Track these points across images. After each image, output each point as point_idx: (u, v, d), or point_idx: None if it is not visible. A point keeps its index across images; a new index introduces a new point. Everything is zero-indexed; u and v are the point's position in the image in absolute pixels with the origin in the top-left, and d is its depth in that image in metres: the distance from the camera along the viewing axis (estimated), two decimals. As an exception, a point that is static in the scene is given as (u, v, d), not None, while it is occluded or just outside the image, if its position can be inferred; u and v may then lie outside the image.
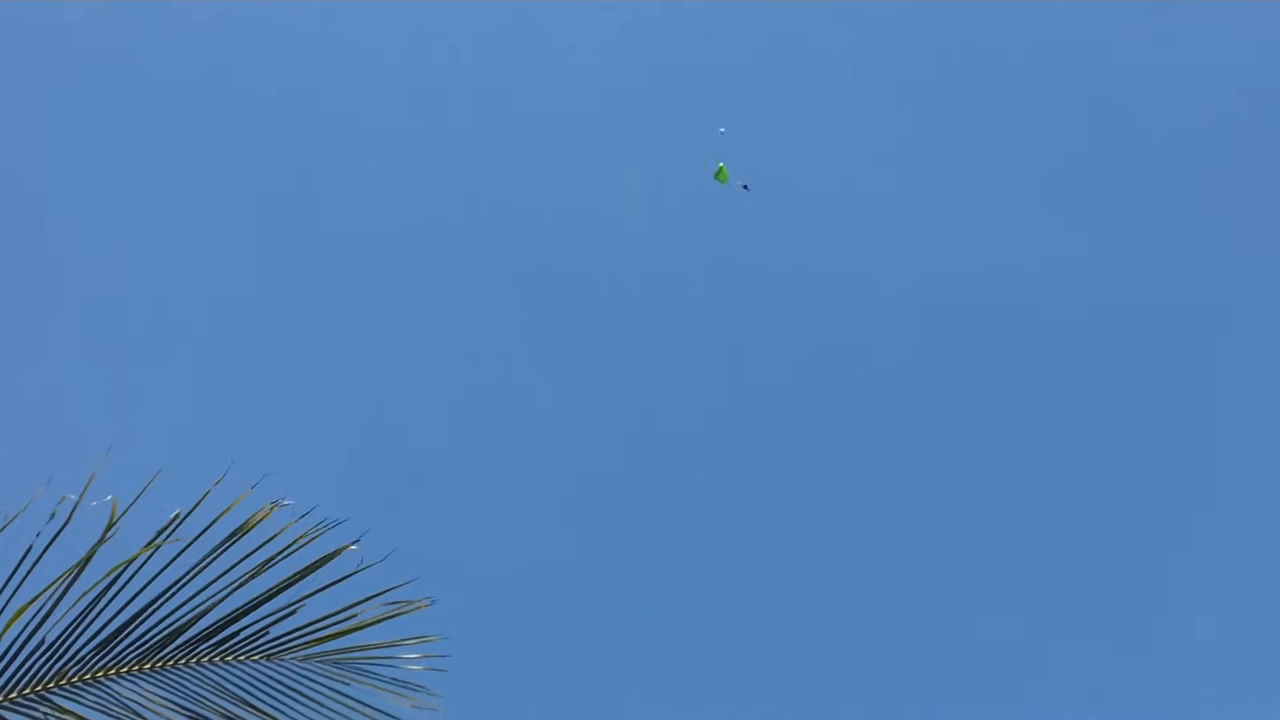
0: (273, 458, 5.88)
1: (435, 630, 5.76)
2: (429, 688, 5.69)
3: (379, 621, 5.74)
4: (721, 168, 21.59)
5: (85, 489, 5.13)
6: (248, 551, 5.59)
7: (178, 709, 5.36)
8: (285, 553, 5.67)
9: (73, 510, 5.05)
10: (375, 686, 5.62)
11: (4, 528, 4.90)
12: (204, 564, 5.50)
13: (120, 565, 5.31)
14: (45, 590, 5.01)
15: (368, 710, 5.60)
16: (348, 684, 5.66)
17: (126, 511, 5.15)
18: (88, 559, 5.15)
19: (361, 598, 5.77)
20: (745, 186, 21.49)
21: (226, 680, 5.55)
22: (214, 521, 5.59)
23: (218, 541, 5.55)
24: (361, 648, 5.69)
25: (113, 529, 5.09)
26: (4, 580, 4.98)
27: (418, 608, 5.75)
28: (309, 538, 5.73)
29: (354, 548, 5.75)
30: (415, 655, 5.64)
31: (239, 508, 5.65)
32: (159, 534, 5.42)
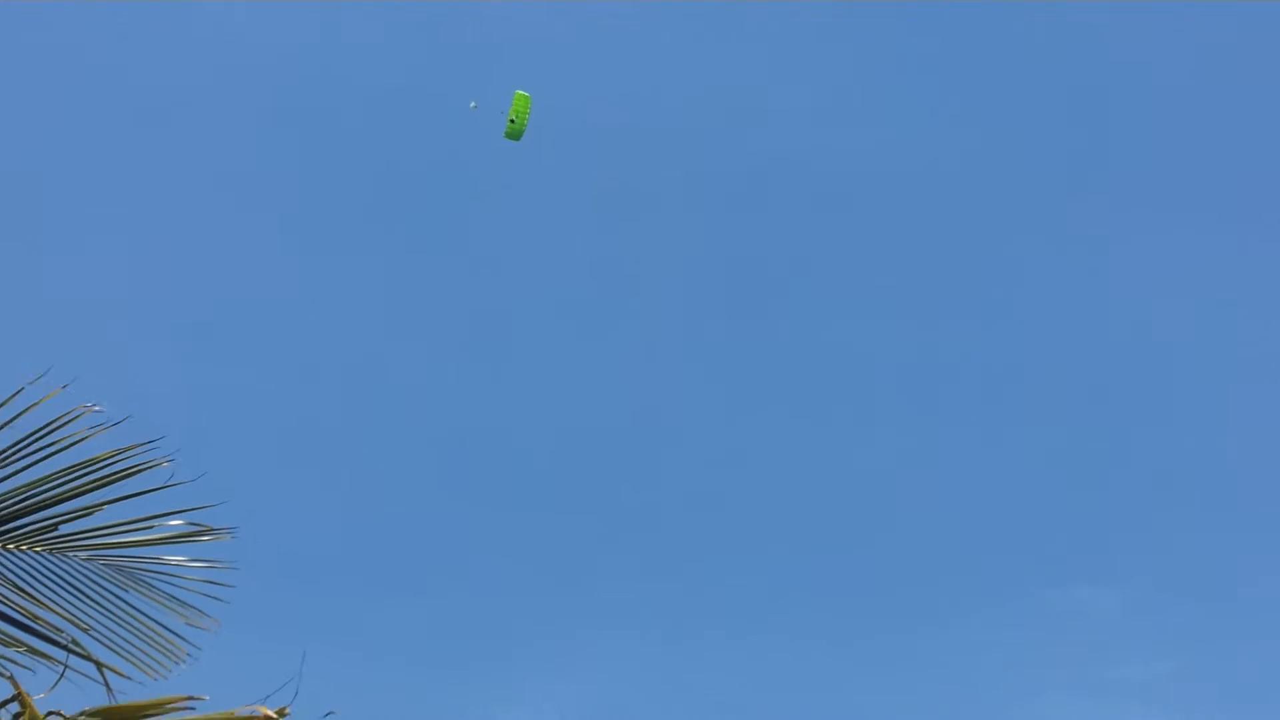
0: (89, 366, 5.87)
1: (226, 557, 5.93)
2: (214, 609, 5.89)
3: (172, 539, 5.90)
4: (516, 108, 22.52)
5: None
6: (53, 451, 5.69)
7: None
8: (97, 465, 5.77)
9: None
10: (152, 599, 5.83)
11: None
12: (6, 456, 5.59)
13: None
14: None
15: (145, 618, 5.83)
16: (127, 590, 5.86)
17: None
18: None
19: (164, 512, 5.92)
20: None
21: (7, 567, 5.72)
22: (22, 413, 5.64)
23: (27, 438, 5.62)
24: (147, 559, 5.88)
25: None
26: None
27: (217, 536, 5.89)
28: (129, 454, 5.81)
29: (166, 464, 5.84)
30: (200, 579, 5.83)
31: (52, 411, 5.70)
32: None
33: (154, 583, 5.86)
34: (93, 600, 5.80)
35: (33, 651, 5.19)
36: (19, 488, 5.66)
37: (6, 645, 5.22)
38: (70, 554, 5.81)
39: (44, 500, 5.72)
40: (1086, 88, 39.02)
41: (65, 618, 5.45)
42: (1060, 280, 39.50)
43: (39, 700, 4.70)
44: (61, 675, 4.95)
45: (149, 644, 5.75)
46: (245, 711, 4.63)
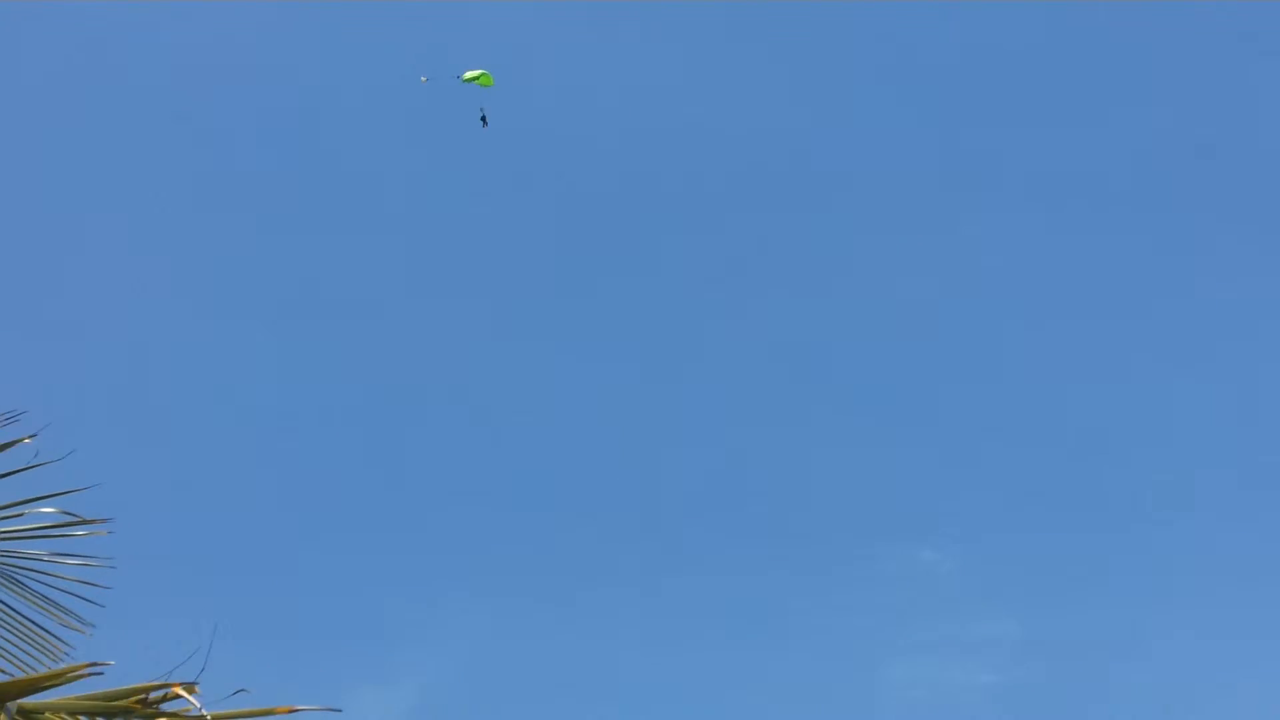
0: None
1: (106, 552, 5.42)
2: (89, 607, 5.40)
3: (45, 530, 5.38)
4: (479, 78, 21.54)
5: None
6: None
7: None
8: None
9: None
10: (25, 598, 5.33)
11: None
12: None
13: None
14: None
15: (18, 618, 5.33)
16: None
17: None
18: None
19: (34, 496, 5.40)
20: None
21: None
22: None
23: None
24: (18, 555, 5.36)
25: None
26: None
27: (94, 529, 5.37)
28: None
29: (29, 441, 5.33)
30: (75, 579, 5.32)
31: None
32: None
33: (26, 580, 5.32)
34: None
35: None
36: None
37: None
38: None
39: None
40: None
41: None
42: (912, 243, 38.52)
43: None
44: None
45: (26, 641, 5.24)
46: (156, 692, 4.12)
